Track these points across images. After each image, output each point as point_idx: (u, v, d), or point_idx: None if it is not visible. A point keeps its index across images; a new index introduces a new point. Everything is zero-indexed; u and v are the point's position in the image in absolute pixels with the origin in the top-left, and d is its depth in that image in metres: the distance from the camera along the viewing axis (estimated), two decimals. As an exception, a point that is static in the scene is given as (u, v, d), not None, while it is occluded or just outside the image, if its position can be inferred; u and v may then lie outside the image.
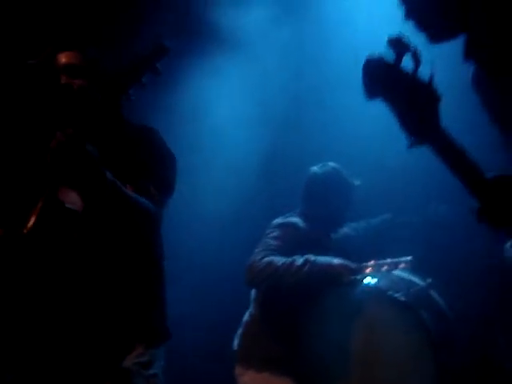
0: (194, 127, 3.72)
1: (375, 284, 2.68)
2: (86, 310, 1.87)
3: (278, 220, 3.06)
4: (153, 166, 2.01)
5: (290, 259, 2.77)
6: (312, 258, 2.75)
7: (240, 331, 3.03)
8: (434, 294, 2.75)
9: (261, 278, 2.78)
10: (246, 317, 3.04)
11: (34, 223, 1.77)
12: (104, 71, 2.02)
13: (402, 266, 2.70)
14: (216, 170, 3.80)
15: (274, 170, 3.92)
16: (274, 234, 2.96)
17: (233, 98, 3.73)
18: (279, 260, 2.77)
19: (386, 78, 1.34)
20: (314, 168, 3.15)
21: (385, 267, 2.75)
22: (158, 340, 2.01)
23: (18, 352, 1.86)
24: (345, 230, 3.31)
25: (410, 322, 2.55)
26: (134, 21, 3.57)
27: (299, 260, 2.75)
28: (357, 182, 3.10)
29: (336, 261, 2.75)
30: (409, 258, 2.79)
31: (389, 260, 2.77)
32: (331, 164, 3.13)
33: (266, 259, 2.78)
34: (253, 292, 3.04)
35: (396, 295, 2.59)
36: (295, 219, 3.04)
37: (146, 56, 1.87)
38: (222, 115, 3.73)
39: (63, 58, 1.98)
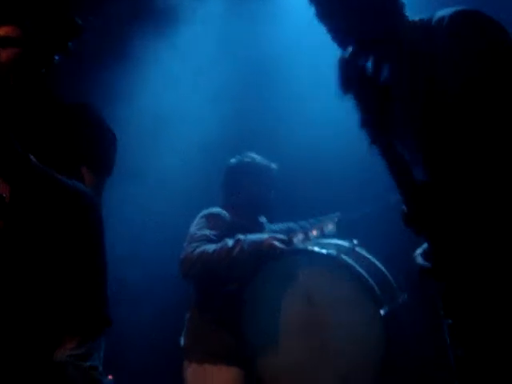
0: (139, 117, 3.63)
1: (305, 248, 2.74)
2: (12, 301, 1.78)
3: (202, 213, 3.05)
4: (87, 145, 1.90)
5: (220, 244, 2.76)
6: (242, 237, 2.76)
7: (184, 328, 2.97)
8: (361, 250, 2.86)
9: (196, 269, 2.74)
10: (187, 314, 2.99)
11: None
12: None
13: (329, 227, 2.81)
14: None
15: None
16: (200, 225, 2.95)
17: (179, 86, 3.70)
18: (210, 247, 2.76)
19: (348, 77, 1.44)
20: (232, 160, 3.22)
21: (314, 232, 2.83)
22: (96, 330, 1.90)
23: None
24: (290, 224, 3.36)
25: (344, 276, 2.63)
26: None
27: (230, 242, 2.75)
28: (274, 166, 3.19)
29: (266, 235, 2.79)
30: (335, 217, 2.92)
31: (315, 225, 2.87)
32: (246, 154, 3.20)
33: (198, 250, 2.76)
34: (191, 288, 2.99)
35: (324, 251, 2.66)
36: (216, 209, 3.06)
37: (56, 34, 1.82)
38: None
39: None
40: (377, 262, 2.82)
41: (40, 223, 1.81)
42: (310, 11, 1.62)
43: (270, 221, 3.33)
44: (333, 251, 2.67)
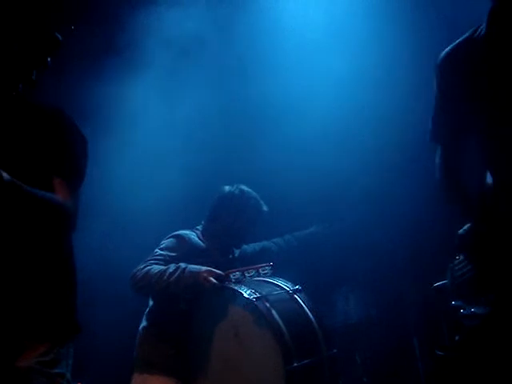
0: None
1: (238, 289, 2.78)
2: None
3: (174, 232, 3.21)
4: (59, 153, 1.85)
5: (164, 267, 2.92)
6: (183, 265, 2.90)
7: (136, 340, 3.18)
8: (299, 297, 2.83)
9: (140, 285, 2.93)
10: (140, 326, 3.20)
11: None
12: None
13: (263, 268, 2.85)
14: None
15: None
16: (164, 245, 3.14)
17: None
18: (156, 268, 2.93)
19: None
20: (224, 188, 3.32)
21: (250, 273, 2.88)
22: (64, 337, 1.86)
23: None
24: (265, 243, 3.50)
25: (260, 322, 2.65)
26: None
27: (172, 267, 2.90)
28: (265, 208, 3.27)
29: (204, 268, 2.88)
30: (270, 263, 2.93)
31: (253, 266, 2.92)
32: (241, 187, 3.29)
33: (146, 268, 2.95)
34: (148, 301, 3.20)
35: (247, 295, 2.69)
36: (187, 232, 3.22)
37: (36, 49, 1.75)
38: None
39: None
40: (309, 314, 2.78)
41: (11, 231, 1.78)
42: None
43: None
44: (255, 295, 2.69)
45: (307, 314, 2.78)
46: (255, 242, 3.48)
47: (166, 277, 2.86)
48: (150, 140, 3.85)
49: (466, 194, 1.71)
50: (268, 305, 2.68)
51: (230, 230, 3.21)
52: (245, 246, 3.37)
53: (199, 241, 3.19)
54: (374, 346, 3.84)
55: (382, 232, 3.77)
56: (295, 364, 2.57)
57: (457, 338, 1.62)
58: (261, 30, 3.70)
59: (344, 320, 3.95)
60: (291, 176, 3.53)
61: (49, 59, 1.77)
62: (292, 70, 3.66)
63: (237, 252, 3.31)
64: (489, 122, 1.61)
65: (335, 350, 2.77)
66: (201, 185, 3.75)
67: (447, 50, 1.79)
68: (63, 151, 1.86)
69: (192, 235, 3.19)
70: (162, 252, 3.06)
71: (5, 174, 1.61)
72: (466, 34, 1.75)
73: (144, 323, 3.14)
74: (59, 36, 1.77)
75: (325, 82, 3.59)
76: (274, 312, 2.66)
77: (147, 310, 3.16)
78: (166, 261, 3.00)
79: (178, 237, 3.16)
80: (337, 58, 3.56)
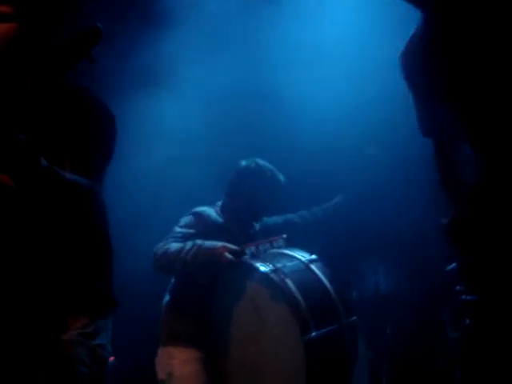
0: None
1: (253, 263, 2.80)
2: (22, 284, 1.84)
3: (193, 209, 3.24)
4: (89, 134, 1.88)
5: (182, 245, 2.95)
6: (199, 242, 2.92)
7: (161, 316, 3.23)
8: (315, 266, 2.83)
9: (160, 263, 2.97)
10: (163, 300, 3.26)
11: None
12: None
13: (276, 241, 2.86)
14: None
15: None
16: (183, 222, 3.16)
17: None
18: (174, 246, 2.96)
19: None
20: (241, 162, 3.32)
21: (264, 246, 2.89)
22: (103, 310, 1.97)
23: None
24: (289, 216, 3.49)
25: (276, 295, 2.67)
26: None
27: (188, 244, 2.93)
28: (281, 178, 3.25)
29: (220, 244, 2.89)
30: (283, 235, 2.93)
31: (266, 239, 2.93)
32: (257, 160, 3.28)
33: (165, 246, 2.98)
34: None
35: (263, 269, 2.70)
36: (205, 208, 3.22)
37: (79, 41, 1.69)
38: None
39: None
40: (326, 282, 2.77)
41: (45, 212, 1.85)
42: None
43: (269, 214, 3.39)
44: (270, 268, 2.70)
45: (324, 283, 2.77)
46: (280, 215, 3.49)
47: (183, 254, 2.89)
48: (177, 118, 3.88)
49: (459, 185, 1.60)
50: (283, 276, 2.69)
51: (249, 203, 3.21)
52: (266, 219, 3.36)
53: (218, 216, 3.18)
54: (405, 318, 3.81)
55: (411, 202, 3.72)
56: (313, 334, 2.58)
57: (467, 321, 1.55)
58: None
59: (374, 291, 3.93)
60: (319, 148, 3.52)
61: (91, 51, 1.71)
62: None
63: (257, 226, 3.30)
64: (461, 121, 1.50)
65: (354, 318, 2.76)
66: (224, 161, 3.73)
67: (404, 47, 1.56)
68: (91, 133, 1.89)
69: (211, 211, 3.20)
70: (180, 230, 3.09)
71: (43, 161, 1.68)
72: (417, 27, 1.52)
73: (167, 298, 3.20)
74: (100, 25, 1.69)
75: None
76: (289, 283, 2.66)
77: (170, 285, 3.22)
78: (185, 238, 3.02)
79: (196, 214, 3.18)
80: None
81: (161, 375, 3.07)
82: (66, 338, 1.83)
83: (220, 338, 2.95)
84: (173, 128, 3.82)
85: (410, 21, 1.51)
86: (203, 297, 3.00)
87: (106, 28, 1.66)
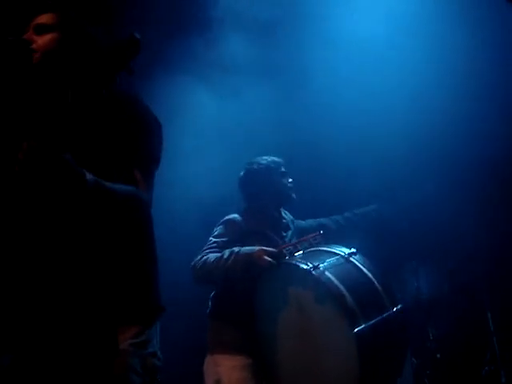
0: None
1: (293, 262, 2.81)
2: (80, 294, 1.84)
3: (223, 218, 3.27)
4: (138, 142, 1.88)
5: (219, 254, 2.97)
6: (237, 249, 2.94)
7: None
8: (356, 259, 2.83)
9: (199, 276, 3.01)
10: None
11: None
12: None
13: (314, 238, 2.87)
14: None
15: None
16: (216, 232, 3.21)
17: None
18: (212, 256, 3.00)
19: None
20: (241, 173, 3.44)
21: (302, 245, 2.90)
22: (152, 318, 1.99)
23: (13, 335, 1.82)
24: (322, 220, 3.55)
25: (321, 292, 2.67)
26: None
27: (226, 253, 2.95)
28: (278, 159, 3.39)
29: (257, 248, 2.91)
30: (320, 231, 2.94)
31: (303, 238, 2.95)
32: (253, 160, 3.40)
33: (203, 258, 3.02)
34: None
35: (304, 267, 2.71)
36: (234, 215, 3.26)
37: (119, 53, 1.69)
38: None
39: (35, 21, 1.88)
40: (368, 274, 2.77)
41: (95, 226, 1.84)
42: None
43: (302, 218, 3.43)
44: (311, 265, 2.70)
45: (366, 274, 2.77)
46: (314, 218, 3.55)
47: (222, 263, 2.92)
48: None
49: None
50: (326, 272, 2.69)
51: (272, 195, 3.30)
52: (300, 222, 3.41)
53: (248, 221, 3.22)
54: (448, 321, 3.80)
55: (452, 205, 3.74)
56: (363, 325, 2.58)
57: None
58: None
59: (416, 295, 3.93)
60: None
61: (131, 62, 1.70)
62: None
63: (292, 227, 3.34)
64: None
65: (400, 306, 2.76)
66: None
67: None
68: (140, 142, 1.89)
69: (238, 217, 3.24)
70: (215, 240, 3.13)
71: (89, 176, 1.68)
72: None
73: (210, 307, 3.23)
74: (138, 36, 1.67)
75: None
76: (332, 278, 2.67)
77: (212, 294, 3.24)
78: (220, 247, 3.06)
79: (227, 221, 3.22)
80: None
81: (209, 383, 3.09)
82: (119, 348, 1.84)
83: (267, 342, 2.96)
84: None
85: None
86: (246, 302, 3.01)
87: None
